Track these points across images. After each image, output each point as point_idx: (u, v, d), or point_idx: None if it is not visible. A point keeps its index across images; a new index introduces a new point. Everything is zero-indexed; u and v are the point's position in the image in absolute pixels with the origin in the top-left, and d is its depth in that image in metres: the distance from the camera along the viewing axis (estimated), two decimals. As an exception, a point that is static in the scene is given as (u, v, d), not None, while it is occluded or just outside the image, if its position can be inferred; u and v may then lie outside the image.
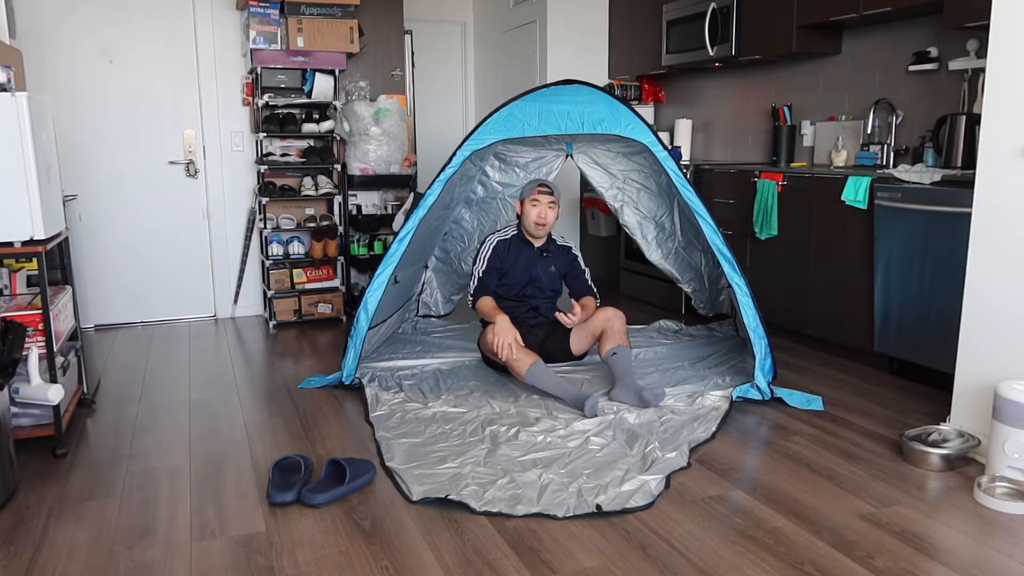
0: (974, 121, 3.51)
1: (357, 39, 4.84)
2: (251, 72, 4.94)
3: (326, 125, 4.93)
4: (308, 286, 4.94)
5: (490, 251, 3.72)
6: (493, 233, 3.82)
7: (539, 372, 3.34)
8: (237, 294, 5.23)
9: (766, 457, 2.82)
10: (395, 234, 3.75)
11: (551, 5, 6.08)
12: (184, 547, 2.22)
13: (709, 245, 3.50)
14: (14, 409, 2.80)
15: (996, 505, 2.41)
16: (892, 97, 4.18)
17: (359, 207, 5.22)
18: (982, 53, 3.58)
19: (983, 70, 2.87)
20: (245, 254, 5.20)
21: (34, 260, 2.94)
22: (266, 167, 4.89)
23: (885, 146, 4.13)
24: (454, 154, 3.56)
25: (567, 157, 4.22)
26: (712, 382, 3.53)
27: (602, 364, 3.58)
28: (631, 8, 5.91)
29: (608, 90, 3.75)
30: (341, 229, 5.04)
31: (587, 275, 3.87)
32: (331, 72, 4.89)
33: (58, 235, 3.15)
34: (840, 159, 4.30)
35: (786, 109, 4.86)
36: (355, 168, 4.94)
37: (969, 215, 2.80)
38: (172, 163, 5.02)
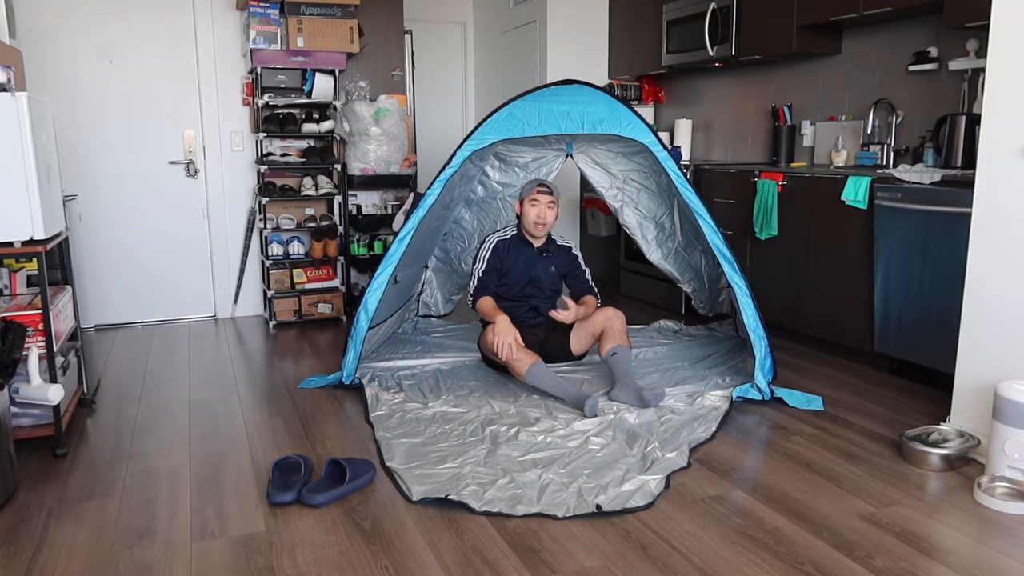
0: (974, 121, 3.51)
1: (357, 39, 4.84)
2: (251, 72, 4.94)
3: (326, 125, 4.93)
4: (308, 286, 4.95)
5: (490, 251, 3.72)
6: (493, 233, 3.82)
7: (539, 372, 3.34)
8: (237, 294, 5.23)
9: (766, 457, 2.82)
10: (395, 234, 3.75)
11: (551, 5, 6.08)
12: (184, 547, 2.22)
13: (709, 245, 3.50)
14: (14, 409, 2.80)
15: (996, 505, 2.41)
16: (892, 97, 4.18)
17: (359, 207, 5.22)
18: (982, 53, 3.58)
19: (983, 70, 2.87)
20: (245, 254, 5.21)
21: (34, 260, 2.94)
22: (266, 167, 4.89)
23: (885, 146, 4.13)
24: (454, 154, 3.56)
25: (567, 157, 4.22)
26: (712, 382, 3.53)
27: (602, 364, 3.58)
28: (631, 8, 5.91)
29: (608, 90, 3.75)
30: (341, 229, 5.04)
31: (587, 275, 3.87)
32: (331, 72, 4.89)
33: (58, 235, 3.15)
34: (840, 159, 4.30)
35: (786, 109, 4.86)
36: (355, 168, 4.95)
37: (969, 215, 2.80)
38: (172, 163, 5.02)
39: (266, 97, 4.78)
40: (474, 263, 3.77)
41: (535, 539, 2.23)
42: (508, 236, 3.77)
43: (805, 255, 4.10)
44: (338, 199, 5.02)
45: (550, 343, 3.74)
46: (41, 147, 2.88)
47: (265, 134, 4.84)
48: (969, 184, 2.85)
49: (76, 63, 4.73)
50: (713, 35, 4.89)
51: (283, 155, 4.98)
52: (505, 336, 3.40)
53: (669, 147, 3.96)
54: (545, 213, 3.66)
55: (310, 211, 5.12)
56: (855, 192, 3.71)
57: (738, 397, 3.32)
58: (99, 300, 4.91)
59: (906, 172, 3.53)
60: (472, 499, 2.43)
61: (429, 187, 3.57)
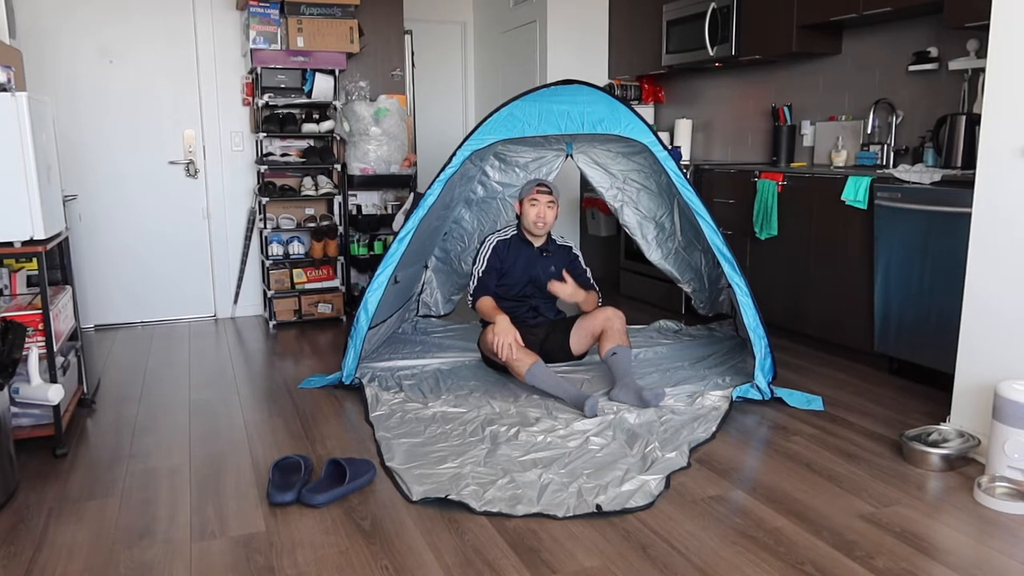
0: (974, 121, 3.51)
1: (357, 39, 4.84)
2: (251, 72, 4.94)
3: (326, 125, 4.93)
4: (308, 286, 4.94)
5: (490, 251, 3.72)
6: (493, 233, 3.82)
7: (539, 372, 3.34)
8: (237, 294, 5.23)
9: (766, 457, 2.82)
10: (395, 234, 3.75)
11: (551, 5, 6.08)
12: (184, 547, 2.22)
13: (709, 245, 3.50)
14: (14, 409, 2.80)
15: (996, 505, 2.41)
16: (892, 97, 4.18)
17: (359, 207, 5.22)
18: (982, 53, 3.58)
19: (983, 70, 2.87)
20: (245, 254, 5.21)
21: (34, 260, 2.94)
22: (266, 167, 4.89)
23: (885, 146, 4.13)
24: (454, 154, 3.56)
25: (567, 157, 4.22)
26: (712, 382, 3.53)
27: (602, 364, 3.58)
28: (631, 8, 5.92)
29: (608, 90, 3.75)
30: (341, 229, 5.04)
31: (588, 274, 3.87)
32: (331, 72, 4.89)
33: (58, 235, 3.15)
34: (840, 159, 4.30)
35: (786, 109, 4.86)
36: (355, 168, 4.94)
37: (969, 215, 2.80)
38: (172, 163, 5.02)
39: (266, 97, 4.78)
40: (474, 263, 3.77)
41: (535, 539, 2.23)
42: (508, 236, 3.77)
43: (805, 255, 4.10)
44: (338, 199, 5.02)
45: (550, 343, 3.74)
46: (41, 147, 2.88)
47: (265, 134, 4.84)
48: (969, 184, 2.85)
49: (76, 63, 4.73)
50: (713, 35, 4.89)
51: (283, 155, 4.98)
52: (505, 336, 3.40)
53: (669, 147, 3.96)
54: (545, 213, 3.66)
55: (310, 211, 5.12)
56: (855, 192, 3.71)
57: (738, 397, 3.32)
58: (99, 300, 4.91)
59: (906, 172, 3.53)
60: (472, 499, 2.43)
61: (429, 187, 3.57)
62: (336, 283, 5.02)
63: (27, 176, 2.76)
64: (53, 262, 3.36)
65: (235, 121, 5.09)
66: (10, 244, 2.79)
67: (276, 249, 4.92)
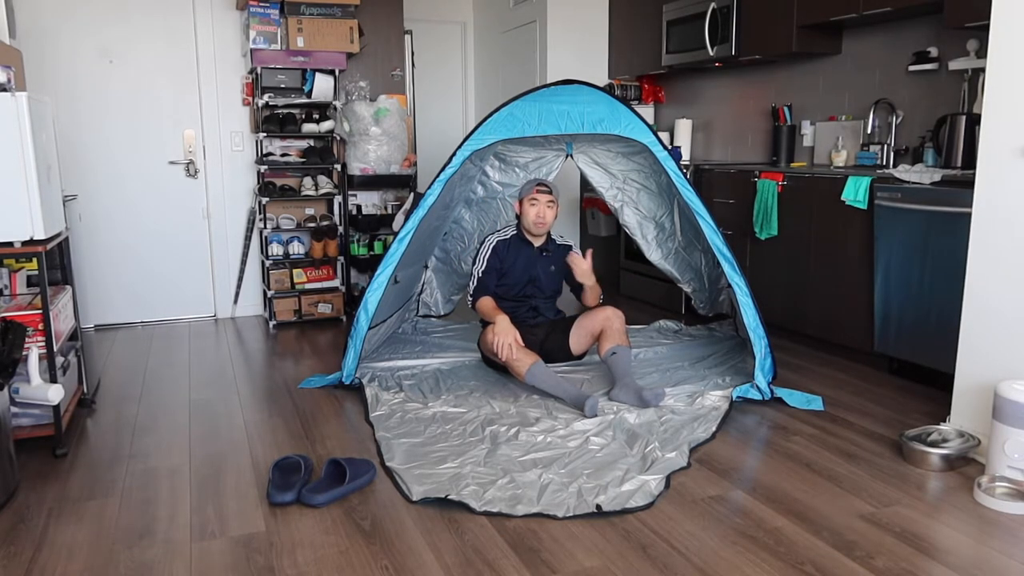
0: (974, 121, 3.51)
1: (357, 39, 4.84)
2: (251, 72, 4.94)
3: (326, 125, 4.93)
4: (308, 286, 4.95)
5: (489, 251, 3.72)
6: (493, 233, 3.82)
7: (539, 372, 3.34)
8: (237, 294, 5.23)
9: (766, 457, 2.82)
10: (395, 234, 3.75)
11: (551, 5, 6.08)
12: (184, 547, 2.22)
13: (709, 245, 3.50)
14: (14, 409, 2.80)
15: (996, 505, 2.41)
16: (892, 97, 4.18)
17: (359, 207, 5.22)
18: (982, 53, 3.58)
19: (983, 70, 2.87)
20: (245, 254, 5.21)
21: (34, 260, 2.94)
22: (266, 167, 4.89)
23: (885, 146, 4.13)
24: (454, 154, 3.56)
25: (567, 157, 4.22)
26: (712, 382, 3.53)
27: (602, 364, 3.58)
28: (631, 8, 5.92)
29: (608, 90, 3.75)
30: (341, 229, 5.04)
31: (588, 274, 3.87)
32: (331, 72, 4.89)
33: (58, 235, 3.15)
34: (840, 159, 4.30)
35: (786, 109, 4.86)
36: (355, 168, 4.95)
37: (969, 215, 2.80)
38: (172, 163, 5.02)
39: (266, 97, 4.78)
40: (474, 263, 3.77)
41: (535, 539, 2.23)
42: (508, 236, 3.77)
43: (805, 255, 4.10)
44: (338, 199, 5.02)
45: (550, 343, 3.74)
46: (41, 147, 2.88)
47: (265, 134, 4.84)
48: (969, 184, 2.85)
49: (76, 63, 4.73)
50: (713, 35, 4.89)
51: (283, 155, 4.98)
52: (505, 336, 3.40)
53: (669, 147, 3.96)
54: (544, 212, 3.66)
55: (310, 211, 5.12)
56: (855, 192, 3.71)
57: (738, 397, 3.32)
58: (99, 300, 4.91)
59: (906, 172, 3.53)
60: (472, 499, 2.43)
61: (429, 187, 3.57)
62: (336, 283, 5.02)
63: (27, 176, 2.76)
64: (53, 262, 3.36)
65: (235, 121, 5.09)
66: (10, 244, 2.79)
67: (276, 249, 4.92)
